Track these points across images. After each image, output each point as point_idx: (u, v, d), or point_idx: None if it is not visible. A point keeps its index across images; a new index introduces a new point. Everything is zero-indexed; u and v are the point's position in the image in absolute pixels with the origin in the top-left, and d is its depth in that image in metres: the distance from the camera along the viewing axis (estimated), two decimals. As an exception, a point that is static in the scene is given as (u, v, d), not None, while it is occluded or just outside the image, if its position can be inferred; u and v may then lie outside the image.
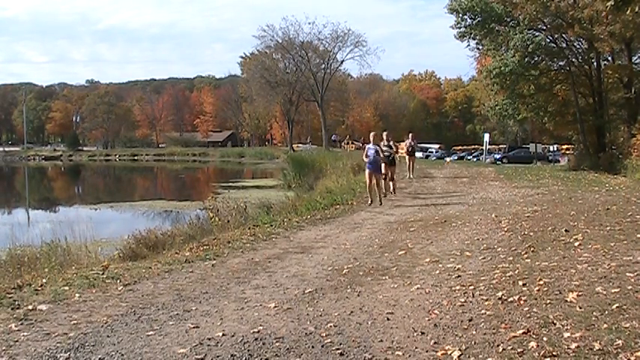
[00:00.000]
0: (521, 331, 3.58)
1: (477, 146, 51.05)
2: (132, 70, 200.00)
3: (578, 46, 24.51)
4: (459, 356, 3.31)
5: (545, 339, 3.42)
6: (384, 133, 14.35)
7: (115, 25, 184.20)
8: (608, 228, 7.23)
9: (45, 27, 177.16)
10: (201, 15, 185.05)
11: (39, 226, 13.50)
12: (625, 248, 5.88)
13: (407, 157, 19.19)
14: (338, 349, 3.55)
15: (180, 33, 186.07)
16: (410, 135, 19.81)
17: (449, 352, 3.37)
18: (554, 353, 3.20)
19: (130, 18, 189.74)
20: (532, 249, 6.31)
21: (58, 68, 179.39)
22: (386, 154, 13.19)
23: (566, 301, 4.15)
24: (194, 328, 4.07)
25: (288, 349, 3.60)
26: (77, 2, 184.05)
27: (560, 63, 25.49)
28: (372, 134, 12.63)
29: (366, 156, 11.94)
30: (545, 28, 23.99)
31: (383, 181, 13.03)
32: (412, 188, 15.87)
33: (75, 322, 4.25)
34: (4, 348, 3.70)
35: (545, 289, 4.53)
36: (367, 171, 12.04)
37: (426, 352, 3.45)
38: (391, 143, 14.24)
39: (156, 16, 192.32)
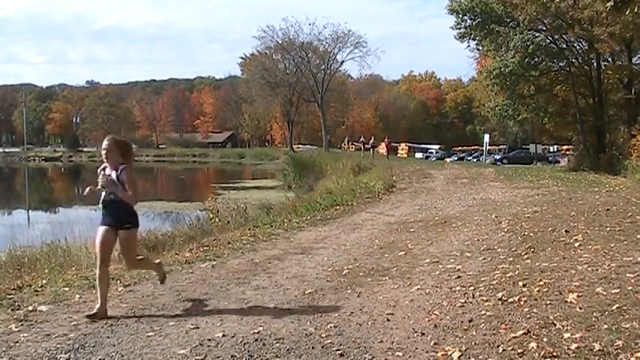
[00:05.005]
0: (521, 332, 3.58)
1: (477, 147, 51.00)
2: (131, 70, 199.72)
3: (578, 47, 24.54)
4: (459, 357, 3.31)
5: (545, 339, 3.42)
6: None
7: (111, 25, 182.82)
8: (608, 229, 7.24)
9: (40, 27, 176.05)
10: (198, 15, 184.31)
11: (39, 226, 13.53)
12: (625, 249, 5.89)
13: None
14: (338, 349, 3.55)
15: (177, 33, 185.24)
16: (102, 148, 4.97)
17: (449, 353, 3.37)
18: (554, 354, 3.20)
19: (126, 18, 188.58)
20: (532, 250, 6.32)
21: (55, 69, 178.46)
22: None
23: (567, 301, 4.15)
24: (194, 328, 4.07)
25: (288, 349, 3.60)
26: (72, 2, 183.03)
27: (561, 64, 25.52)
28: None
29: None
30: (545, 28, 24.01)
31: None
32: (412, 189, 15.87)
33: (75, 323, 4.25)
34: (4, 349, 3.70)
35: (546, 289, 4.53)
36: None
37: (426, 352, 3.45)
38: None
39: (152, 16, 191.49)
